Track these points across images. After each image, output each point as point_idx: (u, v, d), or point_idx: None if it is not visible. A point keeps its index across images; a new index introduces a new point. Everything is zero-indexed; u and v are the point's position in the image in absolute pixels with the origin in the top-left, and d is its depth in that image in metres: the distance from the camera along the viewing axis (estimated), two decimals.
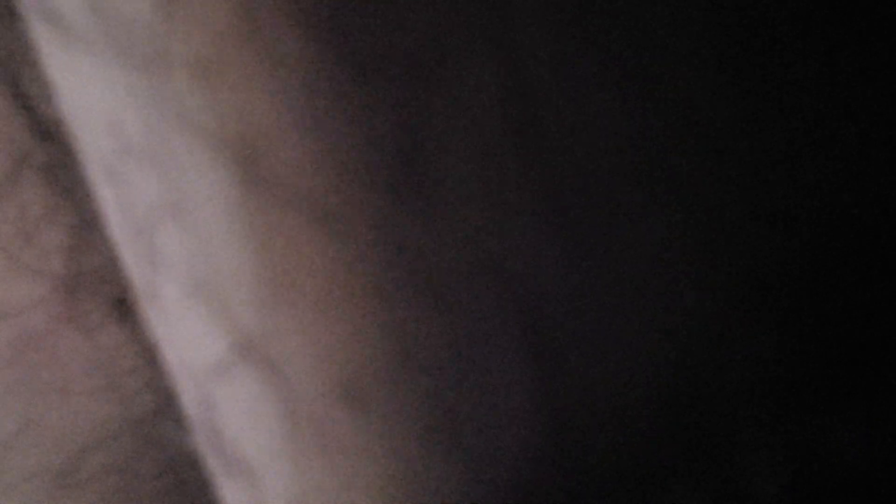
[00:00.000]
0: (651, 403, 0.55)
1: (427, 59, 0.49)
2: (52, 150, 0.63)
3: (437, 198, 0.50)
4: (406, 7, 0.49)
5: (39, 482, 0.66)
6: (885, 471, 0.57)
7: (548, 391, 0.52)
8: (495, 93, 0.51)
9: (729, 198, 0.57)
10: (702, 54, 0.56)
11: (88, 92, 0.48)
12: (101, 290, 0.65)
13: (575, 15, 0.53)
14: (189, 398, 0.49)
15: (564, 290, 0.53)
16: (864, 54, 0.60)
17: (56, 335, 0.65)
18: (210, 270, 0.47)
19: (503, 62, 0.51)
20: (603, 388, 0.54)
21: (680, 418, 0.56)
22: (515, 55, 0.52)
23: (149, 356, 0.64)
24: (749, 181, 0.57)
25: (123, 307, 0.65)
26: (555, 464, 0.53)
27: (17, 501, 0.66)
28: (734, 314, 0.57)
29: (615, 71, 0.54)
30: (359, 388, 0.48)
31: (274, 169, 0.46)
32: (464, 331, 0.50)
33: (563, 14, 0.53)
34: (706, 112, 0.56)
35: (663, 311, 0.55)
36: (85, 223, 0.64)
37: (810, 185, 0.59)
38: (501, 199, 0.51)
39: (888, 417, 0.58)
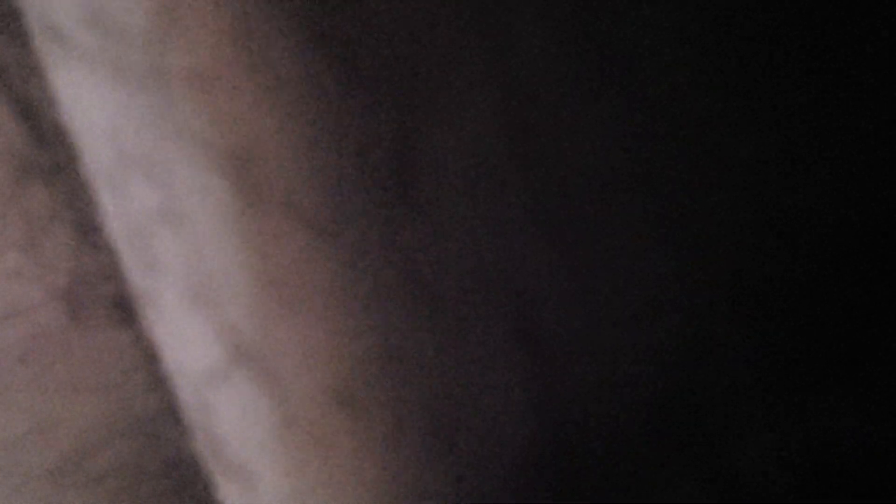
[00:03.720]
0: (646, 398, 0.55)
1: (422, 68, 0.50)
2: (54, 155, 0.63)
3: (431, 205, 0.50)
4: (402, 18, 0.49)
5: (47, 481, 0.66)
6: (883, 454, 0.57)
7: (542, 392, 0.53)
8: (490, 100, 0.51)
9: (722, 198, 0.57)
10: (698, 60, 0.56)
11: (88, 102, 0.48)
12: (103, 291, 0.65)
13: (572, 22, 0.53)
14: (187, 401, 0.50)
15: (558, 294, 0.53)
16: (863, 55, 0.60)
17: (63, 334, 0.65)
18: (206, 277, 0.47)
19: (499, 69, 0.52)
20: (598, 386, 0.54)
21: (676, 409, 0.56)
22: (511, 63, 0.52)
23: (150, 357, 0.65)
24: (743, 185, 0.57)
25: (125, 308, 0.65)
26: (550, 463, 0.53)
27: (24, 500, 0.66)
28: (730, 306, 0.57)
29: (612, 77, 0.54)
30: (352, 393, 0.48)
31: (269, 178, 0.46)
32: (458, 335, 0.51)
33: (560, 22, 0.53)
34: (699, 118, 0.56)
35: (657, 309, 0.55)
36: (87, 226, 0.64)
37: (804, 187, 0.59)
38: (495, 205, 0.51)
39: (885, 400, 0.58)
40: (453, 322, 0.51)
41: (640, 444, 0.55)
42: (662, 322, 0.55)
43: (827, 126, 0.59)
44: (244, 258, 0.46)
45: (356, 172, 0.48)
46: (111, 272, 0.64)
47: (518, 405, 0.52)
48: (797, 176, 0.59)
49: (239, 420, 0.48)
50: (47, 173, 0.63)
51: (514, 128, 0.52)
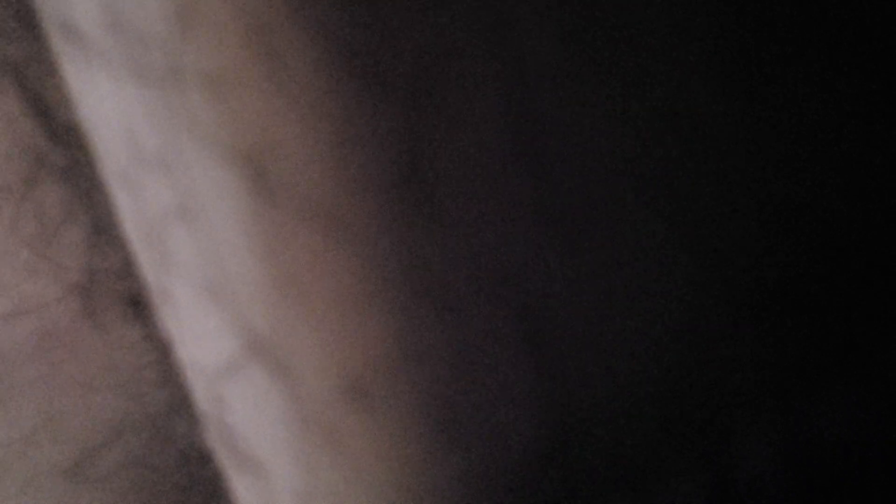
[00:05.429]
0: (647, 398, 0.55)
1: (431, 70, 0.50)
2: (69, 153, 0.63)
3: (440, 204, 0.50)
4: (412, 20, 0.49)
5: (58, 477, 0.66)
6: (883, 454, 0.57)
7: (547, 389, 0.53)
8: (497, 101, 0.52)
9: (724, 198, 0.57)
10: (703, 58, 0.56)
11: (105, 102, 0.48)
12: (116, 288, 0.65)
13: (577, 22, 0.53)
14: (201, 395, 0.50)
15: (564, 293, 0.53)
16: (865, 55, 0.60)
17: (75, 332, 0.65)
18: (221, 274, 0.47)
19: (505, 70, 0.52)
20: (602, 387, 0.54)
21: (675, 409, 0.56)
22: (517, 63, 0.52)
23: (163, 353, 0.65)
24: (745, 185, 0.57)
25: (138, 305, 0.65)
26: (555, 459, 0.53)
27: (35, 496, 0.66)
28: (732, 306, 0.57)
29: (616, 77, 0.54)
30: (364, 387, 0.49)
31: (283, 177, 0.47)
32: (466, 332, 0.51)
33: (564, 21, 0.53)
34: (706, 116, 0.56)
35: (660, 311, 0.55)
36: (101, 224, 0.64)
37: (805, 186, 0.59)
38: (503, 204, 0.52)
39: (885, 400, 0.58)
40: (462, 319, 0.51)
41: (642, 442, 0.55)
42: (664, 322, 0.56)
43: (826, 126, 0.59)
44: (259, 255, 0.47)
45: (369, 172, 0.48)
46: (124, 270, 0.64)
47: (524, 402, 0.52)
48: (799, 176, 0.59)
49: (252, 413, 0.48)
50: (61, 171, 0.63)
51: (522, 128, 0.52)
